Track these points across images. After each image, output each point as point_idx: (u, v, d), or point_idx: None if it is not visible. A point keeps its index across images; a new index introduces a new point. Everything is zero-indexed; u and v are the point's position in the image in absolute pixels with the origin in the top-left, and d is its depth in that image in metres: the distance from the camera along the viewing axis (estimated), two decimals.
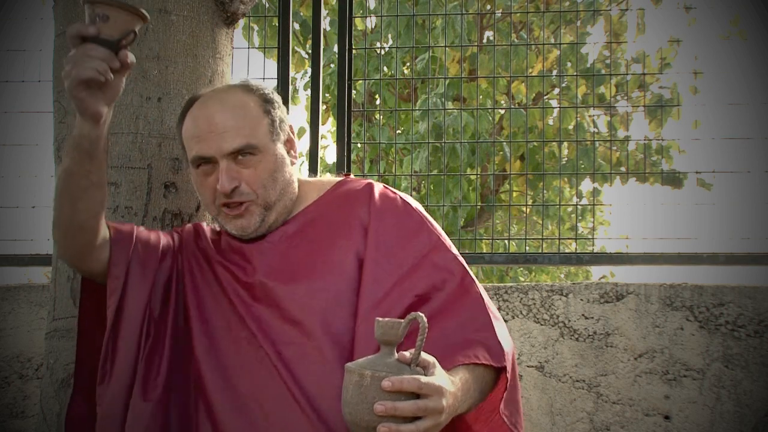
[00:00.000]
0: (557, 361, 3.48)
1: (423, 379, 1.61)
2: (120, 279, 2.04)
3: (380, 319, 1.63)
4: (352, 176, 2.19)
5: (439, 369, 1.66)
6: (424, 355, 1.65)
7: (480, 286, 1.98)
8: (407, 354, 1.64)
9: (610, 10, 7.72)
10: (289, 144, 2.10)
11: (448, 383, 1.67)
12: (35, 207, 3.98)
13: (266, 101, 2.07)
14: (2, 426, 3.58)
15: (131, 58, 1.82)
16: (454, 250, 2.03)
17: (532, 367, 3.48)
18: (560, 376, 3.47)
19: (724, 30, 7.94)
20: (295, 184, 2.10)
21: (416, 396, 1.60)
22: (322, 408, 1.91)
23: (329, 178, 2.19)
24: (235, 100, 2.05)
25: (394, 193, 2.10)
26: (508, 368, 1.86)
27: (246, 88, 2.09)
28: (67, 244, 2.03)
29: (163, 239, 2.14)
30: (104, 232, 2.06)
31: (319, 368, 1.93)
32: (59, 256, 2.11)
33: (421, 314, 1.61)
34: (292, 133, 2.12)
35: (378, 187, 2.09)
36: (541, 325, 3.50)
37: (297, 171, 2.14)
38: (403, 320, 1.63)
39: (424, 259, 1.98)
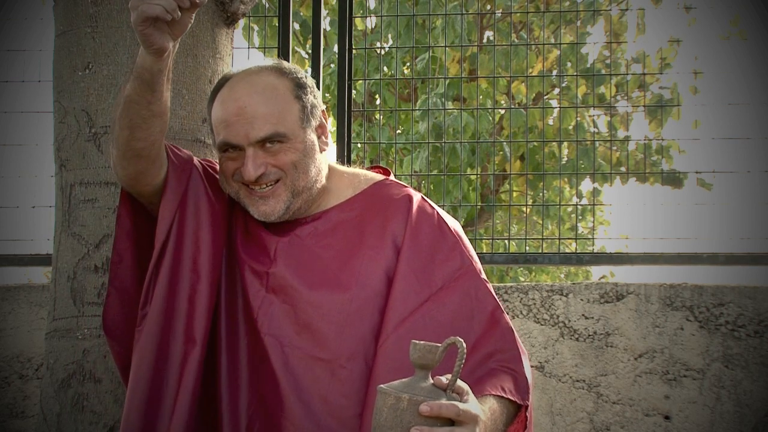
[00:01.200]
0: (557, 361, 3.48)
1: (461, 405, 1.56)
2: (168, 220, 2.00)
3: (417, 342, 1.59)
4: (392, 177, 2.12)
5: (472, 397, 1.63)
6: (459, 382, 1.61)
7: (508, 319, 1.94)
8: (443, 379, 1.59)
9: (610, 10, 7.72)
10: (321, 130, 2.03)
11: (481, 412, 1.63)
12: (35, 207, 3.98)
13: (298, 86, 2.00)
14: (2, 426, 3.58)
15: (196, 2, 1.75)
16: (484, 275, 1.98)
17: (532, 367, 3.48)
18: (560, 376, 3.47)
19: (724, 30, 7.95)
20: (325, 173, 2.03)
21: (451, 422, 1.57)
22: (327, 424, 1.88)
23: (365, 174, 2.11)
24: (266, 84, 1.98)
25: (432, 208, 2.03)
26: (530, 408, 1.83)
27: (278, 70, 2.01)
28: (122, 165, 1.97)
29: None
30: (161, 158, 2.01)
31: (326, 384, 1.91)
32: (114, 171, 2.03)
33: (460, 339, 1.56)
34: (325, 118, 2.04)
35: (416, 201, 2.02)
36: (541, 325, 3.50)
37: (326, 158, 2.06)
38: (440, 344, 1.58)
39: (454, 283, 1.94)
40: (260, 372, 1.95)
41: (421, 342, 1.58)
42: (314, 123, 2.01)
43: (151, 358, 1.96)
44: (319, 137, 2.02)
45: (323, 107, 2.05)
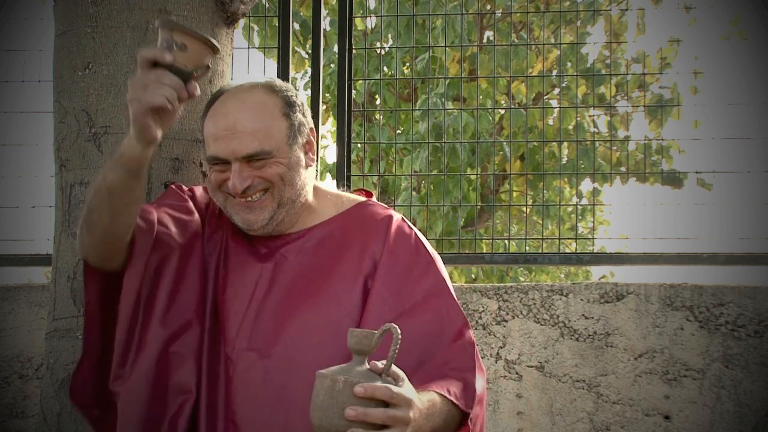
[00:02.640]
0: (557, 361, 3.48)
1: (394, 389, 1.65)
2: (139, 275, 2.02)
3: (354, 329, 1.68)
4: (374, 199, 2.19)
5: (407, 383, 1.71)
6: (394, 368, 1.70)
7: (473, 336, 2.00)
8: (379, 364, 1.68)
9: (610, 10, 7.72)
10: (308, 146, 2.07)
11: (416, 398, 1.71)
12: (35, 207, 3.98)
13: (288, 104, 2.05)
14: (2, 426, 3.58)
15: (198, 90, 1.84)
16: (455, 296, 2.06)
17: (532, 367, 3.49)
18: (560, 376, 3.47)
19: (724, 30, 7.95)
20: (308, 188, 2.09)
21: (386, 405, 1.64)
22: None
23: (348, 196, 2.18)
24: (255, 101, 2.03)
25: (411, 229, 2.11)
26: (472, 416, 1.88)
27: (270, 88, 2.07)
28: (97, 250, 2.01)
29: (190, 222, 2.11)
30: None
31: (308, 392, 1.94)
32: (82, 255, 2.05)
33: (394, 326, 1.66)
34: (313, 135, 2.10)
35: (396, 221, 2.09)
36: (541, 325, 3.51)
37: (313, 175, 2.12)
38: (376, 331, 1.68)
39: (427, 301, 2.01)
40: (244, 388, 1.98)
41: (358, 329, 1.68)
42: (301, 140, 2.06)
43: (140, 416, 1.98)
44: (306, 153, 2.07)
45: (312, 125, 2.10)
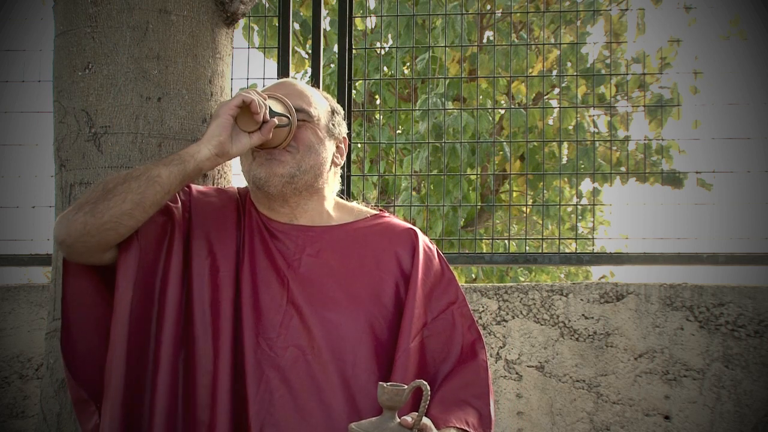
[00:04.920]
0: (557, 361, 3.48)
1: None
2: (131, 280, 2.02)
3: (385, 384, 1.78)
4: (386, 213, 2.26)
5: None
6: (423, 420, 1.82)
7: (486, 355, 2.14)
8: (409, 419, 1.79)
9: (610, 10, 7.72)
10: (339, 149, 2.20)
11: None
12: (35, 207, 3.98)
13: (334, 106, 2.22)
14: (2, 426, 3.58)
15: (269, 127, 2.01)
16: (471, 309, 2.22)
17: (532, 367, 3.49)
18: (560, 376, 3.47)
19: (724, 30, 7.94)
20: (330, 182, 2.18)
21: None
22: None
23: (362, 207, 2.26)
24: (311, 88, 2.21)
25: (432, 242, 2.24)
26: None
27: (323, 92, 2.25)
28: (91, 234, 1.97)
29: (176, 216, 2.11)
30: None
31: (348, 386, 2.01)
32: (72, 238, 1.99)
33: (424, 383, 1.77)
34: (346, 146, 2.22)
35: (420, 237, 2.19)
36: (541, 325, 3.51)
37: (336, 179, 2.21)
38: (406, 386, 1.78)
39: (448, 311, 2.15)
40: (286, 384, 2.00)
41: (388, 385, 1.78)
42: (336, 137, 2.19)
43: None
44: (335, 150, 2.20)
45: (345, 135, 2.23)
